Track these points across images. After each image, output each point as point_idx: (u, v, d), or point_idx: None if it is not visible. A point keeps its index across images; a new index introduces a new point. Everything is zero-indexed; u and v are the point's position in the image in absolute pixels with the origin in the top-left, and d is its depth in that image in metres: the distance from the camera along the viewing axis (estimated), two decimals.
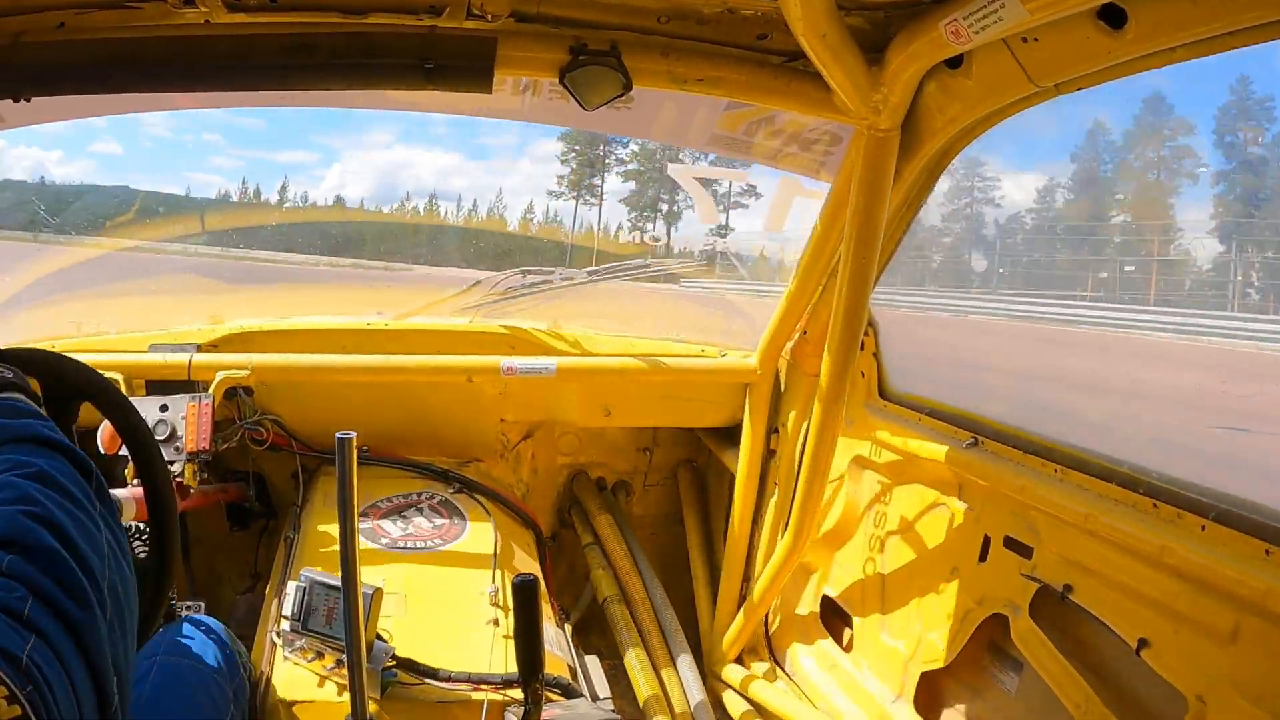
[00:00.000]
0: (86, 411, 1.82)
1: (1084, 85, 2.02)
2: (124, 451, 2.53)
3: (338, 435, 1.75)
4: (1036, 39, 1.94)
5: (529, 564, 3.02)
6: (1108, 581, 2.11)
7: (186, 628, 2.11)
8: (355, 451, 1.76)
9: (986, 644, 2.62)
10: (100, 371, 1.89)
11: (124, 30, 2.19)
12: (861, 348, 2.91)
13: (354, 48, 2.24)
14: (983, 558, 2.56)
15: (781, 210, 3.22)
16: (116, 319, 3.50)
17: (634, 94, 2.40)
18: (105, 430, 2.55)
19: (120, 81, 2.30)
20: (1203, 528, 1.92)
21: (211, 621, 2.18)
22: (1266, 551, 1.78)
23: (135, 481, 2.27)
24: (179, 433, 2.80)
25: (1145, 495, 2.08)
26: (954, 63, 2.22)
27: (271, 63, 2.23)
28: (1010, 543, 2.46)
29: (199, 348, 3.17)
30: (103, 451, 2.56)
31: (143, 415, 1.95)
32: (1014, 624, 2.40)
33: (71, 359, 1.83)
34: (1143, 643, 1.99)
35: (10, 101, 2.24)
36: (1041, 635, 2.32)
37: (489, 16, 2.22)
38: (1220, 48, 1.68)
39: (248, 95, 2.65)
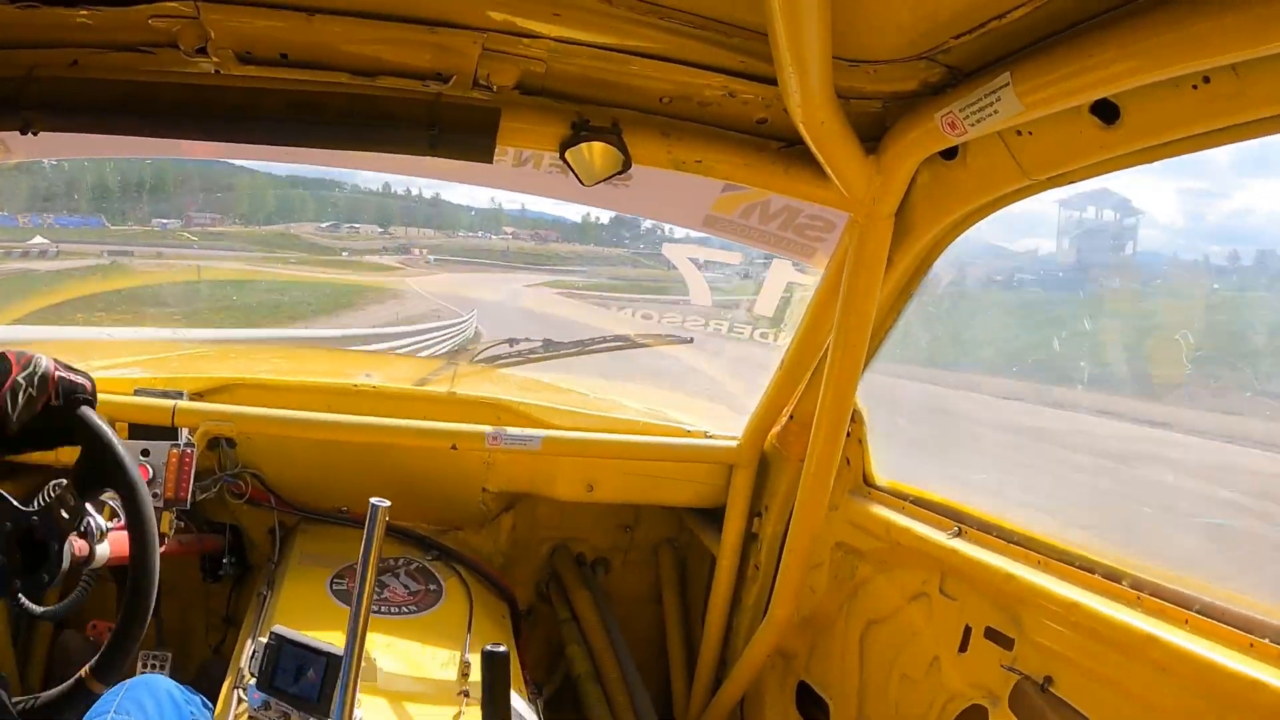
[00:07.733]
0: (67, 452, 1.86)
1: (1077, 179, 2.08)
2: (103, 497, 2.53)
3: (371, 501, 1.75)
4: (1031, 132, 2.00)
5: (503, 636, 2.97)
6: (1089, 674, 2.09)
7: (141, 684, 2.06)
8: (385, 520, 1.76)
9: None
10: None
11: (136, 73, 2.23)
12: (848, 435, 2.92)
13: (360, 110, 2.27)
14: (963, 648, 2.54)
15: (773, 293, 3.27)
16: (101, 357, 3.49)
17: (631, 172, 2.44)
18: None
19: (129, 123, 2.33)
20: (1186, 621, 1.92)
21: (166, 681, 2.14)
22: (1251, 644, 1.78)
23: (113, 524, 2.24)
24: (158, 479, 2.78)
25: (1130, 588, 2.08)
26: (949, 154, 2.28)
27: (278, 118, 2.26)
28: (991, 633, 2.44)
29: (185, 395, 3.16)
30: None
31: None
32: (993, 715, 2.37)
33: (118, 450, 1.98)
34: None
35: (18, 134, 2.26)
36: None
37: (494, 88, 2.26)
38: (1212, 143, 1.74)
39: (253, 149, 2.67)
